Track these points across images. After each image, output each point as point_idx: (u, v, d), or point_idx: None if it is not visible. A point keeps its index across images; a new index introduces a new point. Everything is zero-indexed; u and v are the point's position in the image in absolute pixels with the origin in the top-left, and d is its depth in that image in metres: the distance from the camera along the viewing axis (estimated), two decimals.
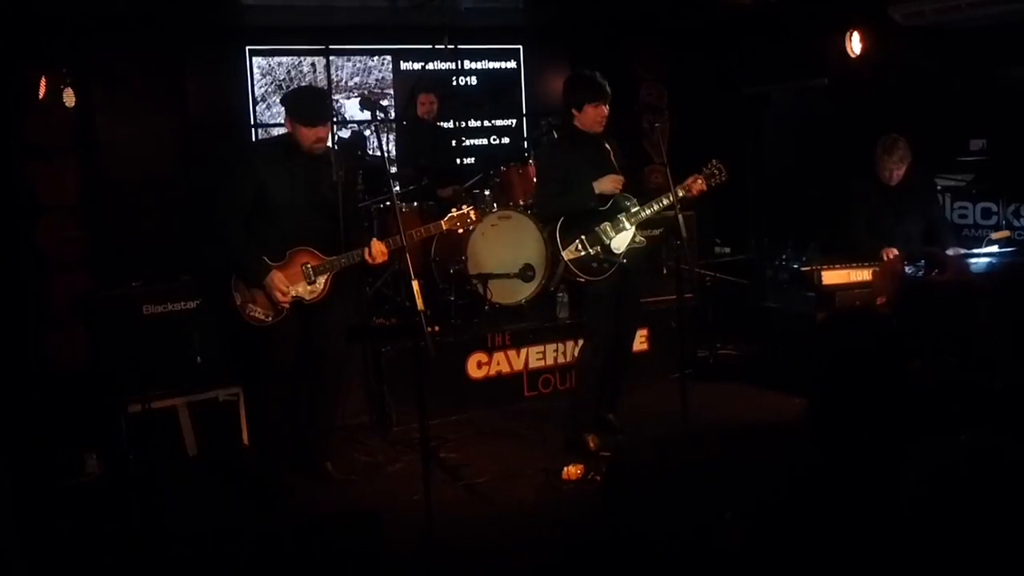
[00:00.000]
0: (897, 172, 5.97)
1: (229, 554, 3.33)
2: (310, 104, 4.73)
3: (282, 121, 4.87)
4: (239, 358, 5.58)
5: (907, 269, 5.78)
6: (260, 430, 5.05)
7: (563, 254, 5.15)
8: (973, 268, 5.72)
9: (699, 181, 5.18)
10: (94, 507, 4.94)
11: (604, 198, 5.14)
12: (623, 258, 5.16)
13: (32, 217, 6.48)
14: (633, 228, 5.18)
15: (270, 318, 4.67)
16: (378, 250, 4.72)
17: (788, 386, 5.91)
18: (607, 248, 5.13)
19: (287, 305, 4.66)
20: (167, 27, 7.32)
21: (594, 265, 5.14)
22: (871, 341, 2.19)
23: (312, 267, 4.70)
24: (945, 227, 6.26)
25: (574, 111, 5.15)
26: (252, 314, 4.66)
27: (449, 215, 4.96)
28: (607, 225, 5.14)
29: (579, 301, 5.68)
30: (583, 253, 5.12)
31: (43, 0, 6.13)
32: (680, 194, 5.10)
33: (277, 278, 4.61)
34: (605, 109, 5.12)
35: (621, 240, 5.16)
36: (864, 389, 2.17)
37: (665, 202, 5.14)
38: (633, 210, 5.17)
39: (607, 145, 5.29)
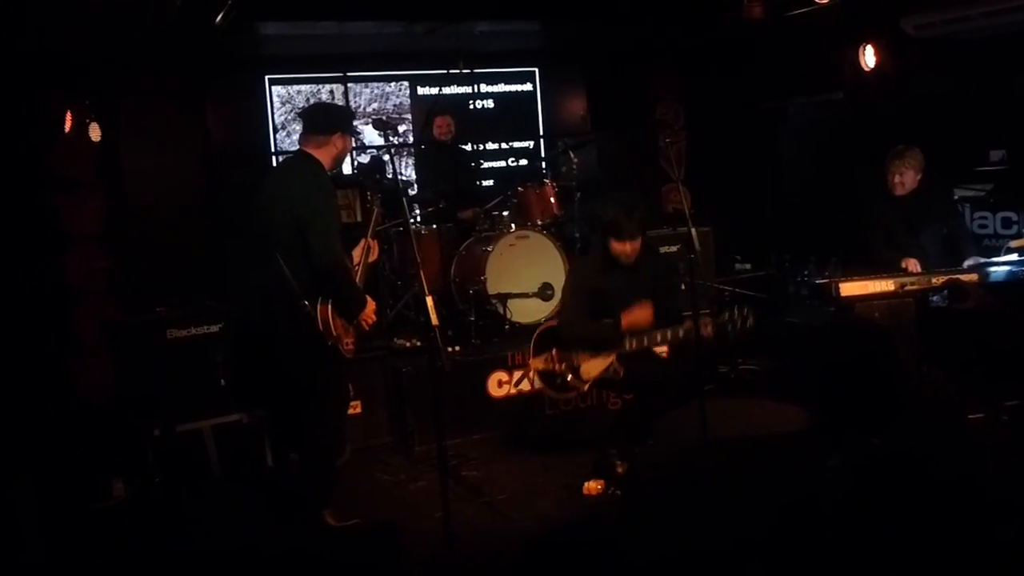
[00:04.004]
0: (901, 178, 5.95)
1: (251, 570, 3.38)
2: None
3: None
4: (268, 383, 5.64)
5: (932, 299, 5.75)
6: (319, 454, 4.66)
7: (531, 361, 5.17)
8: (992, 277, 5.70)
9: (707, 327, 4.83)
10: (121, 530, 5.02)
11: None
12: (588, 385, 5.04)
13: (60, 248, 6.61)
14: (612, 358, 4.99)
15: (354, 347, 4.63)
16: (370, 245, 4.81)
17: (806, 400, 5.91)
18: (575, 369, 5.05)
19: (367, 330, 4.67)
20: (188, 59, 7.46)
21: (557, 381, 5.10)
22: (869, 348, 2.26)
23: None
24: (965, 238, 6.21)
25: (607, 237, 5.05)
26: (349, 347, 4.54)
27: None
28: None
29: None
30: (549, 366, 5.10)
31: (67, 36, 6.27)
32: (680, 335, 4.84)
33: (372, 304, 4.60)
34: (629, 246, 4.95)
35: (592, 366, 5.03)
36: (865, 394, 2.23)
37: (659, 339, 4.88)
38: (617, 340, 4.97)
39: (642, 268, 5.09)
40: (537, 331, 5.28)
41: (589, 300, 5.07)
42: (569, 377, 5.06)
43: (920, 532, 2.11)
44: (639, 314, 4.93)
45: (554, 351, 5.10)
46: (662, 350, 4.99)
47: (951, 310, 5.61)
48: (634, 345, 4.92)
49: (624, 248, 4.96)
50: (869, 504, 2.13)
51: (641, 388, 5.09)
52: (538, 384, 5.21)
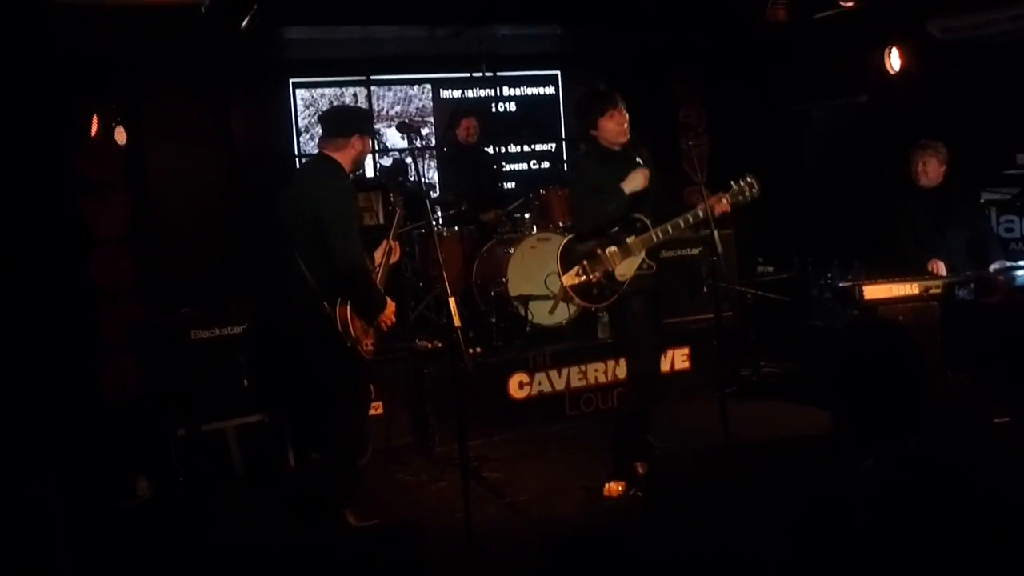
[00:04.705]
0: (924, 167, 5.93)
1: (272, 570, 3.39)
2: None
3: None
4: (289, 384, 5.68)
5: (958, 292, 5.71)
6: (340, 454, 4.69)
7: (563, 279, 5.00)
8: (1019, 280, 5.65)
9: (723, 201, 4.92)
10: (145, 529, 5.07)
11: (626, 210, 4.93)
12: (627, 285, 4.94)
13: (85, 250, 6.68)
14: (642, 254, 4.93)
15: (373, 348, 4.66)
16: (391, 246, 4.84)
17: (829, 403, 5.87)
18: (610, 275, 4.92)
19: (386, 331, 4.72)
20: (213, 62, 7.51)
21: (594, 292, 4.95)
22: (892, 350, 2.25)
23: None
24: (991, 240, 6.18)
25: (592, 131, 4.98)
26: (367, 348, 4.57)
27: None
28: (613, 251, 4.91)
29: (617, 322, 5.46)
30: (583, 279, 4.93)
31: (93, 41, 6.34)
32: (700, 216, 4.87)
33: (391, 306, 4.64)
34: (621, 116, 4.90)
35: (626, 267, 4.93)
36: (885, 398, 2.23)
37: (682, 224, 4.90)
38: (643, 235, 4.92)
39: (638, 156, 5.04)
40: (560, 249, 5.08)
41: (597, 191, 4.99)
42: (606, 283, 4.93)
43: (945, 536, 2.10)
44: (636, 178, 4.90)
45: (584, 263, 4.95)
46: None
47: (978, 304, 5.57)
48: (660, 236, 4.89)
49: (619, 121, 4.91)
50: (896, 506, 2.12)
51: (642, 329, 5.05)
52: (575, 301, 5.09)
